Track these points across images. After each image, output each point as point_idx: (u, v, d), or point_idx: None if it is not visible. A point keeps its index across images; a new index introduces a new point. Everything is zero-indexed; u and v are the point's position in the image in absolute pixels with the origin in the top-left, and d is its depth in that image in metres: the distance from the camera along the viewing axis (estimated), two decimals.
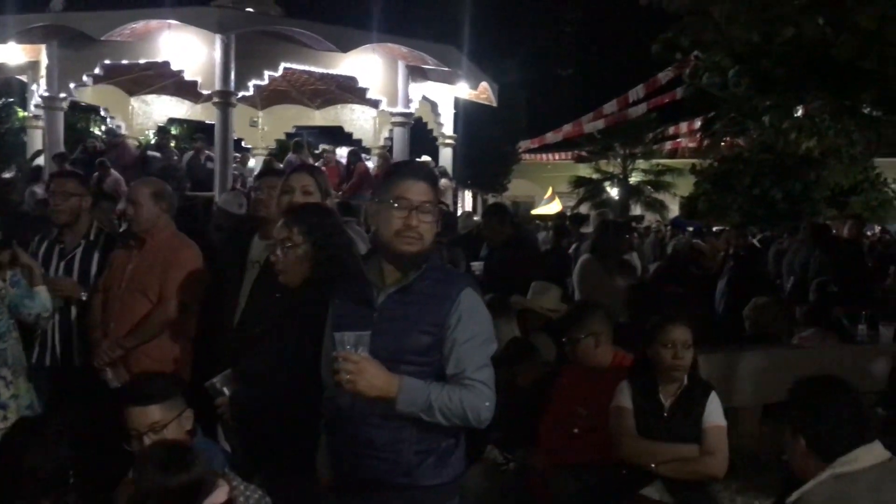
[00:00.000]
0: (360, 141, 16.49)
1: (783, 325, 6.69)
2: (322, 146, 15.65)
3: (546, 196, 30.23)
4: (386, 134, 15.41)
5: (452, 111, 15.37)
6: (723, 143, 20.84)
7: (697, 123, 25.43)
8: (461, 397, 2.31)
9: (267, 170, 10.57)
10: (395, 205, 2.38)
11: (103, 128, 19.61)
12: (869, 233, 17.16)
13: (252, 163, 15.47)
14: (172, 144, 17.82)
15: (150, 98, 15.60)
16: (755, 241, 11.50)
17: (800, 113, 8.36)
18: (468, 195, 25.05)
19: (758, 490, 4.85)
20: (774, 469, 5.23)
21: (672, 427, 3.42)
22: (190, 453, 2.47)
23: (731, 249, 9.67)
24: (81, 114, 20.44)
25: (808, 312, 7.18)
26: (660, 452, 3.40)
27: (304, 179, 3.49)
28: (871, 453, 2.34)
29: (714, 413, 3.45)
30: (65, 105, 12.37)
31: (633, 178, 31.95)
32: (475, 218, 13.11)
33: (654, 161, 31.70)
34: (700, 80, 6.61)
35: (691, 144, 27.67)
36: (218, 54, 11.31)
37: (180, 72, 11.73)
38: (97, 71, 11.79)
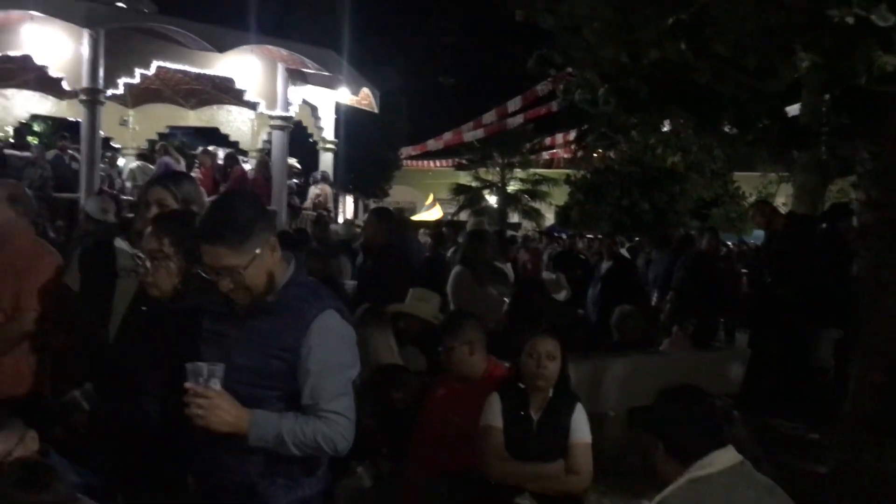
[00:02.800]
0: (237, 143, 16.13)
1: (648, 333, 7.02)
2: (202, 148, 15.19)
3: (427, 202, 30.48)
4: (264, 137, 15.14)
5: (333, 116, 15.28)
6: (595, 156, 21.69)
7: (572, 135, 26.34)
8: (315, 430, 2.28)
9: (154, 179, 10.15)
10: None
11: None
12: (730, 244, 18.18)
13: (122, 162, 14.81)
14: (35, 142, 16.86)
15: (10, 92, 14.67)
16: (624, 251, 11.99)
17: (666, 128, 8.81)
18: (350, 200, 24.94)
19: (622, 493, 5.05)
20: (638, 472, 5.50)
21: (541, 442, 3.51)
22: (50, 473, 2.36)
23: (603, 257, 10.09)
24: None
25: (670, 320, 7.56)
26: (527, 474, 3.49)
27: (158, 193, 3.35)
28: (725, 457, 2.47)
29: (580, 429, 3.55)
30: None
31: (511, 187, 32.66)
32: (356, 226, 13.07)
33: (531, 170, 32.53)
34: (573, 96, 6.85)
35: (566, 155, 28.57)
36: (86, 50, 10.81)
37: (44, 67, 11.13)
38: None
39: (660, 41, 5.05)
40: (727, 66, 4.79)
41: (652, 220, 20.50)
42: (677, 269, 8.87)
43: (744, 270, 12.49)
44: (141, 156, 15.15)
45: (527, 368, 3.55)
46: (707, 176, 21.09)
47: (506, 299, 5.86)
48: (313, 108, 14.61)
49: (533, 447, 3.50)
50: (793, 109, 8.13)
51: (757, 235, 22.67)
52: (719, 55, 4.76)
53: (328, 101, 14.84)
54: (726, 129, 7.55)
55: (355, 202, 26.84)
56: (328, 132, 15.16)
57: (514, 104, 26.47)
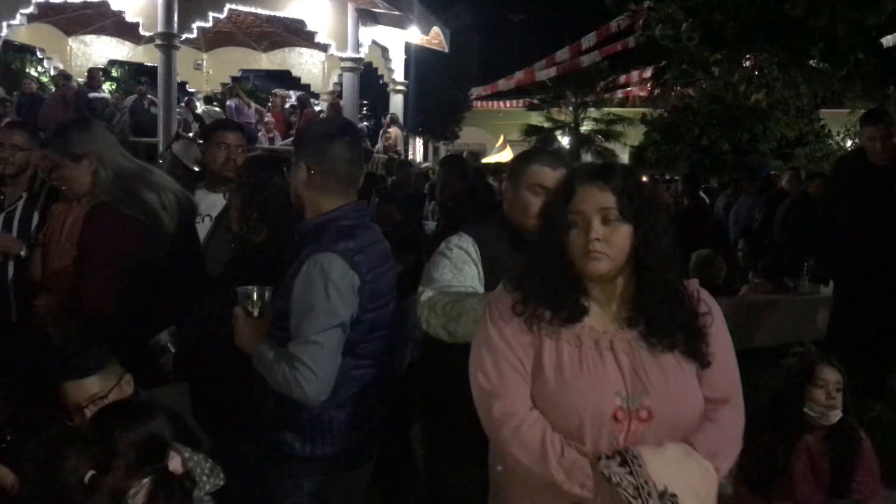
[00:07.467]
0: (308, 86, 16.21)
1: (727, 277, 6.80)
2: (276, 91, 15.37)
3: (497, 144, 30.10)
4: (335, 79, 15.18)
5: (403, 57, 15.17)
6: (672, 94, 20.97)
7: (649, 72, 25.43)
8: (283, 370, 2.27)
9: (216, 124, 10.24)
10: None
11: (40, 69, 18.84)
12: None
13: (200, 108, 15.08)
14: (113, 87, 17.25)
15: (90, 38, 15.07)
16: (700, 192, 11.58)
17: (748, 64, 8.41)
18: (419, 143, 24.87)
19: None
20: None
21: None
22: (151, 409, 2.43)
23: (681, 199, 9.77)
24: (16, 54, 19.56)
25: (748, 263, 7.32)
26: None
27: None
28: None
29: None
30: None
31: (585, 127, 31.91)
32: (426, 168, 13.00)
33: (606, 110, 31.70)
34: (653, 32, 6.57)
35: (642, 94, 27.70)
36: None
37: (120, 12, 11.31)
38: (31, 9, 11.32)
39: None
40: None
41: (733, 161, 19.78)
42: (759, 211, 8.57)
43: None
44: (208, 99, 15.39)
45: None
46: (792, 114, 20.20)
47: None
48: (384, 49, 14.52)
49: None
50: (887, 41, 7.65)
51: None
52: None
53: (398, 42, 14.72)
54: (814, 63, 7.16)
55: (425, 144, 26.72)
56: (398, 73, 15.09)
57: (588, 41, 25.67)
